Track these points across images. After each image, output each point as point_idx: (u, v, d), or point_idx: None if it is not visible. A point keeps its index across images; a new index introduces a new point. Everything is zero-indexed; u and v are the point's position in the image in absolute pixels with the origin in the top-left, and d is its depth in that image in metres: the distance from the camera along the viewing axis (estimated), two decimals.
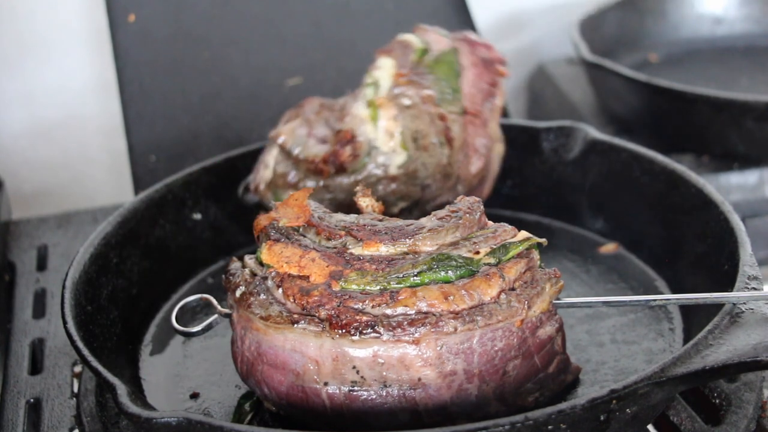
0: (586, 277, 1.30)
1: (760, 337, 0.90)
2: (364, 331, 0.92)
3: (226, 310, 1.03)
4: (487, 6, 2.11)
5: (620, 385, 0.87)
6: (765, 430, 1.05)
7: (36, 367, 1.26)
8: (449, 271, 0.96)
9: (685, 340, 1.13)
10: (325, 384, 0.94)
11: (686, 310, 1.17)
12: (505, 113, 1.57)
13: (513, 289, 0.96)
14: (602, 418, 0.88)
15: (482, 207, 1.05)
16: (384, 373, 0.93)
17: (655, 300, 1.08)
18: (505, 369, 0.95)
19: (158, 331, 1.23)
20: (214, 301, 1.05)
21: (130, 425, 1.05)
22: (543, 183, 1.43)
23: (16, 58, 1.94)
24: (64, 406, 1.16)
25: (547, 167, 1.42)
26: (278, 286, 0.97)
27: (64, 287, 1.09)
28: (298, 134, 1.29)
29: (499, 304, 0.94)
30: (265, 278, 0.99)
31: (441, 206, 1.09)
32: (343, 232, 1.02)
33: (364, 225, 1.03)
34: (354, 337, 0.92)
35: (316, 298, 0.94)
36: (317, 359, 0.94)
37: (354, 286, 0.95)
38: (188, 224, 1.36)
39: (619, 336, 1.15)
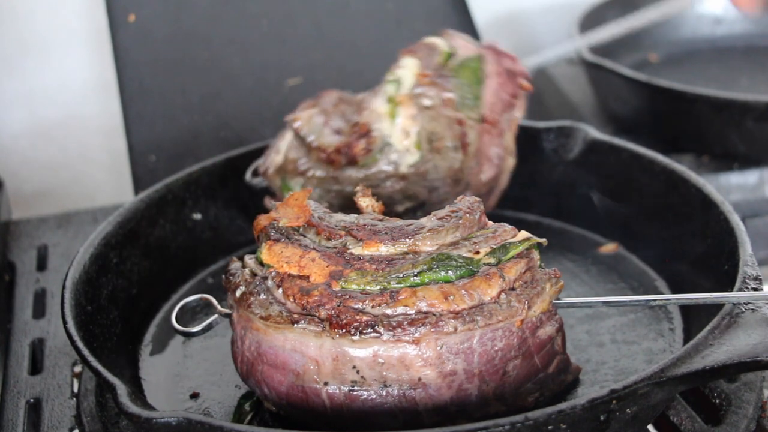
0: (586, 277, 1.30)
1: (760, 337, 0.90)
2: (364, 331, 0.92)
3: (226, 310, 1.03)
4: (487, 6, 2.11)
5: (620, 385, 0.87)
6: (765, 430, 1.05)
7: (36, 367, 1.26)
8: (449, 271, 0.96)
9: (685, 340, 1.13)
10: (325, 384, 0.94)
11: (686, 310, 1.17)
12: None
13: (513, 289, 0.97)
14: (602, 418, 0.88)
15: (482, 207, 1.05)
16: (384, 373, 0.93)
17: (655, 300, 1.08)
18: (505, 369, 0.95)
19: (158, 331, 1.23)
20: (214, 301, 1.05)
21: (130, 425, 1.05)
22: (543, 183, 1.43)
23: (16, 58, 1.94)
24: (64, 406, 1.16)
25: (547, 167, 1.42)
26: (278, 286, 0.97)
27: (64, 287, 1.09)
28: (315, 122, 1.29)
29: (499, 304, 0.94)
30: (265, 278, 0.99)
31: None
32: (343, 232, 1.02)
33: (364, 225, 1.03)
34: (354, 337, 0.92)
35: (316, 298, 0.94)
36: (317, 359, 0.94)
37: (354, 286, 0.95)
38: (188, 224, 1.36)
39: (619, 336, 1.15)
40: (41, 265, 1.50)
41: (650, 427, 1.05)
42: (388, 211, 1.28)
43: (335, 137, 1.27)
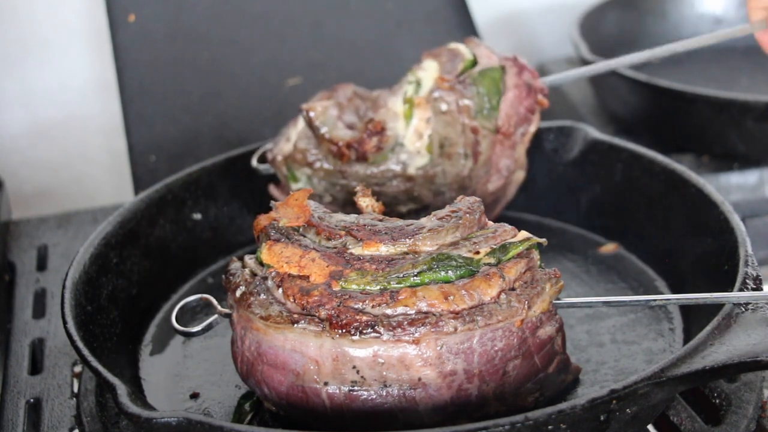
0: (586, 277, 1.30)
1: (760, 337, 0.90)
2: (364, 331, 0.92)
3: (226, 310, 1.03)
4: (487, 6, 2.11)
5: (620, 385, 0.87)
6: (765, 430, 1.05)
7: (36, 367, 1.26)
8: (449, 271, 0.96)
9: (685, 340, 1.13)
10: (325, 384, 0.94)
11: (686, 310, 1.17)
12: None
13: (513, 289, 0.96)
14: (602, 418, 0.88)
15: (482, 207, 1.06)
16: (384, 373, 0.93)
17: (655, 300, 1.08)
18: (505, 369, 0.95)
19: (158, 331, 1.23)
20: (214, 301, 1.05)
21: (130, 425, 1.05)
22: (543, 183, 1.43)
23: (16, 58, 1.94)
24: (64, 406, 1.16)
25: (547, 167, 1.42)
26: (278, 286, 0.97)
27: (64, 287, 1.09)
28: (329, 114, 1.29)
29: (499, 304, 0.94)
30: (265, 278, 0.99)
31: None
32: (343, 232, 1.02)
33: (364, 225, 1.03)
34: (354, 337, 0.92)
35: (316, 298, 0.94)
36: (317, 359, 0.94)
37: (354, 286, 0.95)
38: (188, 224, 1.36)
39: (619, 336, 1.15)
40: (41, 265, 1.50)
41: (650, 427, 1.05)
42: (391, 210, 1.28)
43: (347, 132, 1.28)
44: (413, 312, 0.93)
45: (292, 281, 0.97)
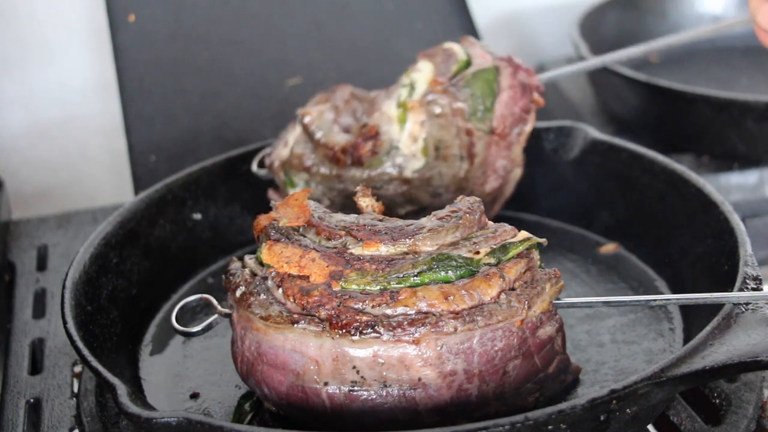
0: (586, 277, 1.30)
1: (760, 337, 0.90)
2: (364, 331, 0.92)
3: (226, 310, 1.03)
4: (487, 6, 2.11)
5: (620, 385, 0.87)
6: (765, 430, 1.05)
7: (36, 367, 1.26)
8: (449, 271, 0.96)
9: (685, 340, 1.13)
10: (325, 384, 0.94)
11: (686, 310, 1.17)
12: None
13: (513, 289, 0.96)
14: (602, 418, 0.88)
15: (482, 207, 1.06)
16: (384, 373, 0.93)
17: (655, 300, 1.08)
18: (505, 369, 0.95)
19: (158, 331, 1.23)
20: (214, 301, 1.05)
21: (130, 425, 1.05)
22: (543, 183, 1.43)
23: (16, 58, 1.94)
24: (64, 406, 1.16)
25: (547, 167, 1.42)
26: (278, 286, 0.97)
27: (64, 287, 1.09)
28: (325, 118, 1.29)
29: (499, 304, 0.94)
30: (265, 278, 0.99)
31: None
32: (343, 232, 1.02)
33: (364, 225, 1.03)
34: (354, 337, 0.92)
35: (316, 298, 0.94)
36: (317, 359, 0.94)
37: (354, 286, 0.95)
38: (188, 224, 1.36)
39: (619, 336, 1.15)
40: (41, 265, 1.50)
41: (650, 427, 1.05)
42: (389, 213, 1.28)
43: (343, 136, 1.28)
44: (413, 312, 0.93)
45: (292, 281, 0.97)
